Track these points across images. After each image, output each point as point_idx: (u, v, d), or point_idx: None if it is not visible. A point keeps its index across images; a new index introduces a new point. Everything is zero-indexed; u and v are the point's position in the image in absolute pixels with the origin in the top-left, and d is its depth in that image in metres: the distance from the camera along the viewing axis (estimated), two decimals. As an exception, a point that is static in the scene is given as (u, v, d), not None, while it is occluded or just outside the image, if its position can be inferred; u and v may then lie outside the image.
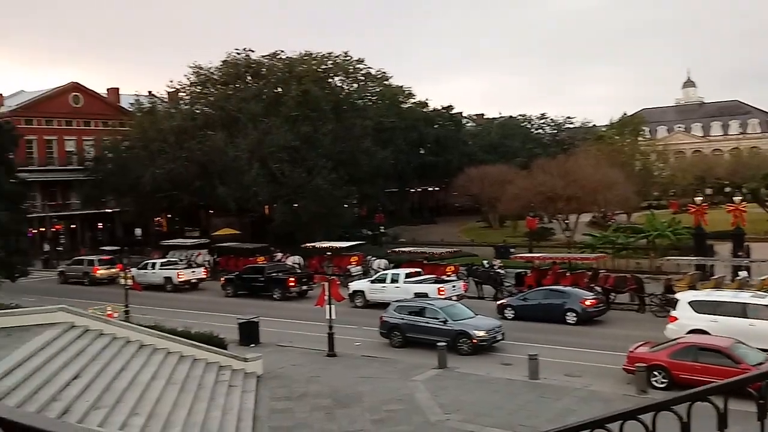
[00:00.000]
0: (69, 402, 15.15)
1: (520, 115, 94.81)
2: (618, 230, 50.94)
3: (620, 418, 3.01)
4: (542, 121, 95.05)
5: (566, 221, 53.24)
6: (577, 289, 32.24)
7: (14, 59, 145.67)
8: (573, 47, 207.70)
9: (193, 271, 45.96)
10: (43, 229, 64.46)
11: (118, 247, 57.13)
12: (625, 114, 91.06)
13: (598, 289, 33.49)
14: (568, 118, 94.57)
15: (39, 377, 15.74)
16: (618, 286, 33.81)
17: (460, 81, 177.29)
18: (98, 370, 17.59)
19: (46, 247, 60.97)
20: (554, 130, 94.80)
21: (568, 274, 36.30)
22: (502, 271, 39.33)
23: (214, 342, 23.49)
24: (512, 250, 49.38)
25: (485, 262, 42.06)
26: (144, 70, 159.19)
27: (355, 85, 66.99)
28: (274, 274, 40.69)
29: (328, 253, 42.98)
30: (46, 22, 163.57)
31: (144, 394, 17.25)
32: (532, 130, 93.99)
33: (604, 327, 29.72)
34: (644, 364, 20.40)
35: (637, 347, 21.81)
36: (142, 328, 22.50)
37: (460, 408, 19.27)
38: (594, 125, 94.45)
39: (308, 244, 47.29)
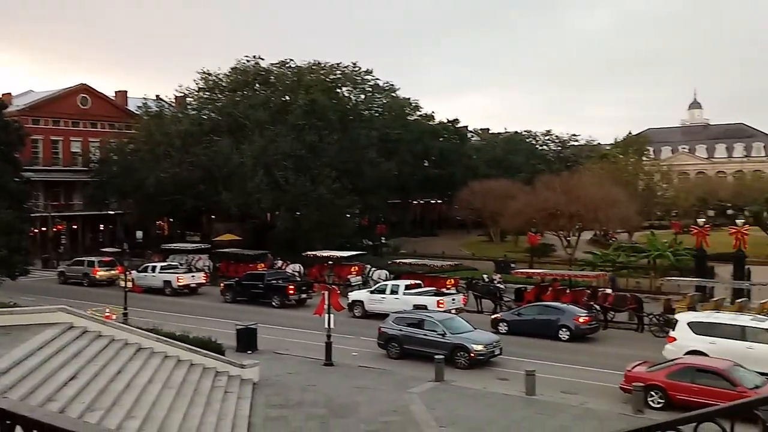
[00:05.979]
0: (65, 403, 15.09)
1: (525, 131, 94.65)
2: (619, 249, 50.96)
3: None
4: (547, 137, 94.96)
5: (568, 238, 53.24)
6: (571, 306, 32.22)
7: (24, 60, 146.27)
8: (582, 68, 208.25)
9: (193, 276, 46.00)
10: (45, 229, 64.55)
11: (119, 249, 57.13)
12: (630, 133, 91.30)
13: (597, 307, 33.49)
14: (573, 135, 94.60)
15: (36, 377, 15.72)
16: (617, 304, 33.82)
17: (467, 97, 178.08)
18: (96, 371, 17.56)
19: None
20: (559, 147, 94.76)
21: (568, 291, 36.29)
22: (502, 286, 39.37)
23: (212, 347, 23.43)
24: (513, 265, 49.35)
25: (485, 276, 42.08)
26: (153, 75, 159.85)
27: (363, 96, 67.24)
28: (273, 282, 40.78)
29: (329, 262, 42.96)
30: (57, 25, 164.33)
31: (140, 397, 17.23)
32: (537, 146, 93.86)
33: (602, 345, 29.69)
34: (641, 384, 20.37)
35: (635, 367, 21.77)
36: (141, 330, 22.49)
37: (455, 421, 19.24)
38: (599, 143, 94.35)
39: (309, 253, 47.34)
